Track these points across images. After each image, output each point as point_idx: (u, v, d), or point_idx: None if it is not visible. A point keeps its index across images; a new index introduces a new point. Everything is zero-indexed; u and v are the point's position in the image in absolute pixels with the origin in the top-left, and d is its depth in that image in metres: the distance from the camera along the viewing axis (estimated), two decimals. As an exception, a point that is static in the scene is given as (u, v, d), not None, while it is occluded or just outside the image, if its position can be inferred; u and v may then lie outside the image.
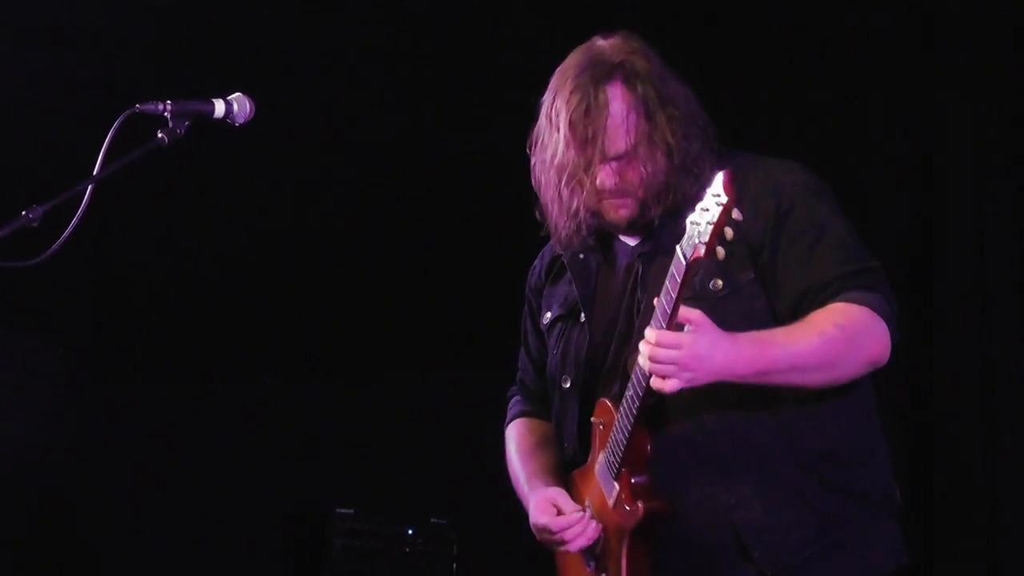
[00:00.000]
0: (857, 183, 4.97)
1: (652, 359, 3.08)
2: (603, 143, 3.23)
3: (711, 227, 2.98)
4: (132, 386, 5.52)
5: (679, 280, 3.04)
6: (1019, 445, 4.77)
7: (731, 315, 3.17)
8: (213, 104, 3.34)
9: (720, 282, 3.21)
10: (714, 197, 3.00)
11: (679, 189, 3.24)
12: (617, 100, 3.24)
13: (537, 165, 3.34)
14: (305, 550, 5.42)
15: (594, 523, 3.33)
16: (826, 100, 5.06)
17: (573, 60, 3.32)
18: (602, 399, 3.31)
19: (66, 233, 3.22)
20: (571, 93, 3.23)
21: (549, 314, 3.49)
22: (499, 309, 4.68)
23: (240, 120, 3.36)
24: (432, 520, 5.34)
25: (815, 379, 3.18)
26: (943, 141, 4.91)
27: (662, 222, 3.28)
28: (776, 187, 3.27)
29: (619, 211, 3.28)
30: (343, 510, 5.30)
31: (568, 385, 3.39)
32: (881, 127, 5.05)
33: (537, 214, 3.39)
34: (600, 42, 3.33)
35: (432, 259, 5.42)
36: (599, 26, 3.56)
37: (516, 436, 3.59)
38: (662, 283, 3.13)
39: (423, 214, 5.42)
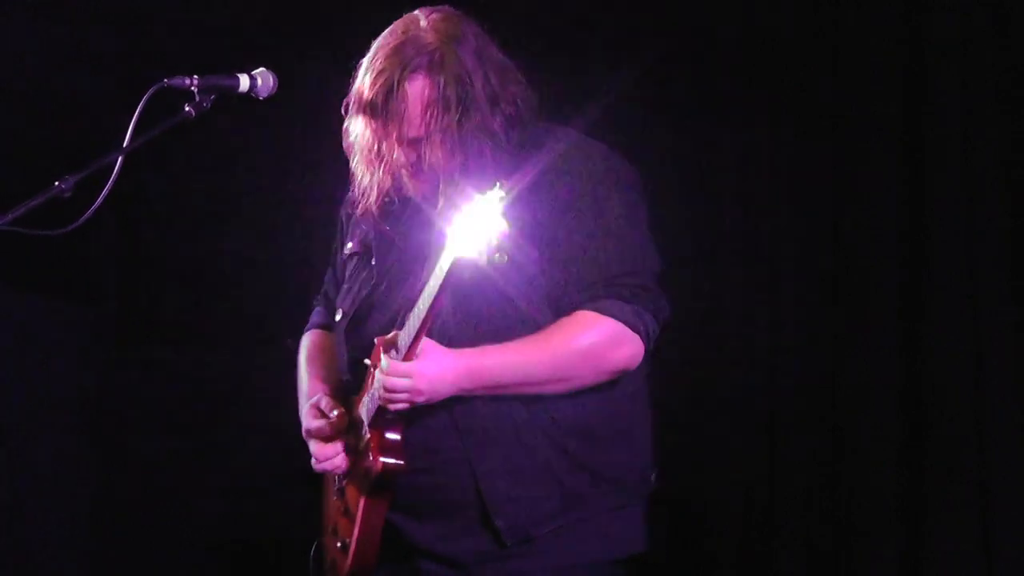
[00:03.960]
0: (847, 184, 5.00)
1: (385, 388, 3.27)
2: (401, 127, 3.32)
3: (484, 231, 3.06)
4: (158, 348, 5.53)
5: (434, 282, 3.17)
6: (1010, 441, 4.77)
7: (508, 285, 3.30)
8: (238, 78, 3.49)
9: (504, 256, 3.25)
10: (481, 198, 3.06)
11: (465, 176, 3.31)
12: (416, 89, 3.30)
13: (347, 134, 3.44)
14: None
15: (345, 458, 3.48)
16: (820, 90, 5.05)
17: (390, 36, 3.37)
18: (376, 347, 3.38)
19: (98, 202, 3.31)
20: (377, 74, 3.31)
21: (350, 245, 3.59)
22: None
23: (263, 94, 3.50)
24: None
25: (554, 389, 3.32)
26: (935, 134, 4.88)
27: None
28: (573, 171, 3.35)
29: (418, 185, 3.38)
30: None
31: (339, 318, 3.51)
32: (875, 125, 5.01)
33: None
34: (421, 21, 3.38)
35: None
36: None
37: (307, 345, 3.73)
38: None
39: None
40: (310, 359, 3.71)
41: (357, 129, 3.39)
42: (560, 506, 3.38)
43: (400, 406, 3.30)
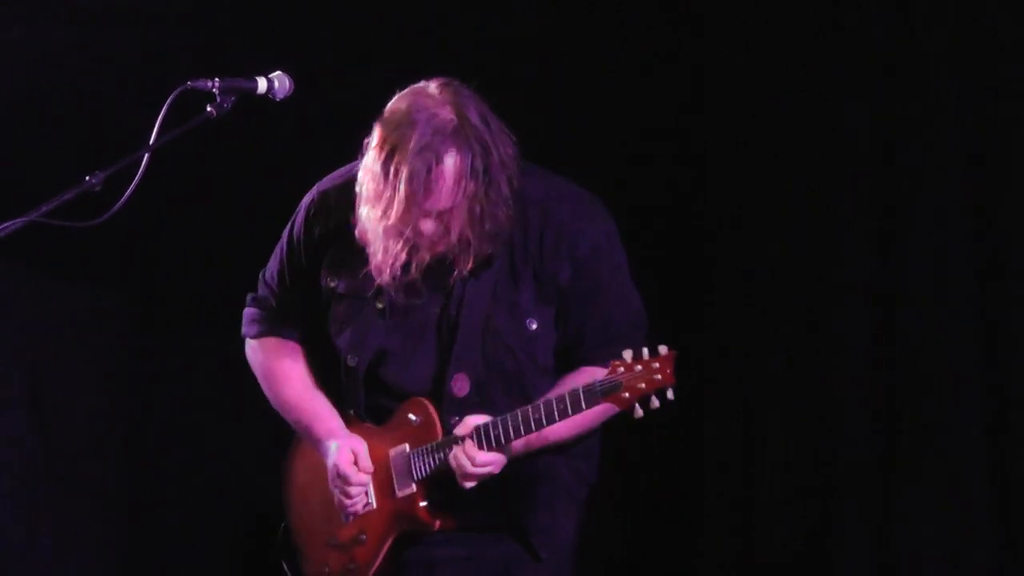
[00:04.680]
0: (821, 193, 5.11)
1: (466, 472, 3.52)
2: (433, 201, 3.46)
3: (641, 391, 3.35)
4: (181, 335, 5.62)
5: (570, 410, 3.41)
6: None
7: (539, 353, 3.56)
8: (256, 81, 3.58)
9: (535, 324, 3.56)
10: (655, 367, 3.34)
11: (481, 249, 3.52)
12: (451, 166, 3.44)
13: (365, 197, 3.53)
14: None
15: (372, 502, 3.66)
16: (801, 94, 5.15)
17: (410, 114, 3.47)
18: (422, 403, 3.64)
19: (126, 196, 3.41)
20: (414, 156, 3.42)
21: (335, 283, 3.70)
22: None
23: (280, 96, 3.60)
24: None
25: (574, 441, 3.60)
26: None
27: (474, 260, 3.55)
28: (591, 236, 3.58)
29: (435, 248, 3.54)
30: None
31: (354, 364, 3.69)
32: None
33: (356, 229, 3.59)
34: (434, 94, 3.49)
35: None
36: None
37: (285, 360, 3.87)
38: (480, 308, 3.53)
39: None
40: (304, 381, 3.85)
41: (382, 211, 3.47)
42: (577, 517, 3.73)
43: (470, 484, 3.55)
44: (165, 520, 5.66)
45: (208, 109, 3.52)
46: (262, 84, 3.59)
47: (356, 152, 3.73)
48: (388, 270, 3.53)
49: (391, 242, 3.49)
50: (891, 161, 5.01)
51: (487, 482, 3.58)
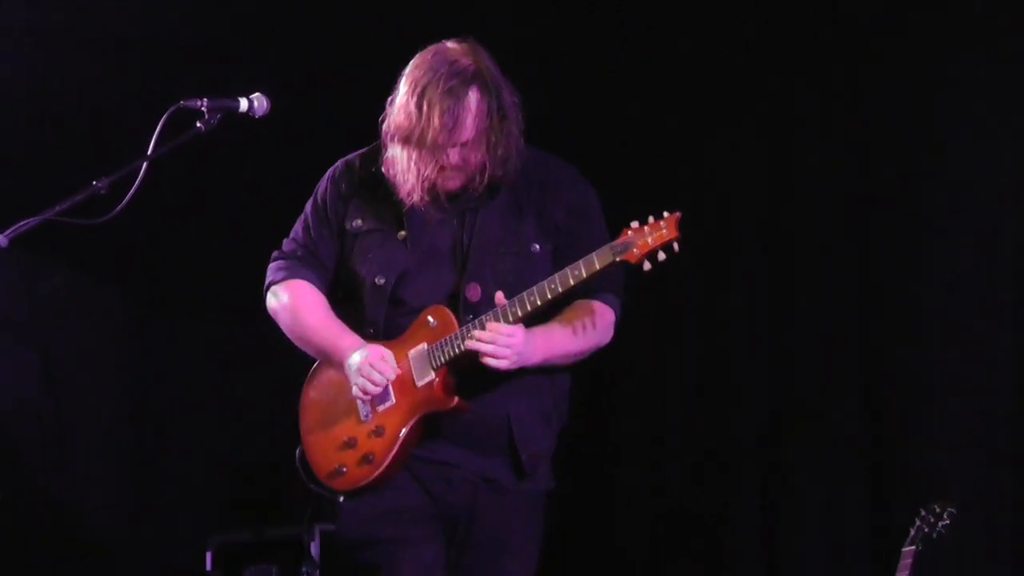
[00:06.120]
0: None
1: (495, 344, 3.85)
2: (459, 133, 3.89)
3: (649, 245, 3.74)
4: (177, 317, 5.93)
5: (584, 273, 3.78)
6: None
7: (539, 273, 3.96)
8: (239, 101, 3.85)
9: (538, 246, 4.00)
10: (661, 225, 3.74)
11: (495, 173, 3.98)
12: (474, 102, 3.89)
13: (397, 134, 3.93)
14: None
15: (391, 399, 3.98)
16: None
17: (436, 62, 3.90)
18: (441, 307, 4.00)
19: (127, 198, 3.66)
20: (444, 93, 3.86)
21: (360, 222, 4.09)
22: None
23: (259, 114, 3.88)
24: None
25: (572, 362, 4.03)
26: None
27: (481, 192, 4.01)
28: (580, 188, 4.07)
29: (452, 181, 3.98)
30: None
31: (382, 283, 4.03)
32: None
33: (384, 167, 3.98)
34: (455, 47, 3.95)
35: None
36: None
37: (311, 295, 4.12)
38: (490, 233, 3.89)
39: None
40: (328, 310, 4.08)
41: (417, 137, 3.86)
42: (550, 445, 4.13)
43: (501, 364, 3.85)
44: (166, 469, 5.95)
45: (198, 125, 3.78)
46: (243, 104, 3.85)
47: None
48: (420, 190, 3.91)
49: (423, 166, 3.87)
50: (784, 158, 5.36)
51: (487, 372, 3.88)
